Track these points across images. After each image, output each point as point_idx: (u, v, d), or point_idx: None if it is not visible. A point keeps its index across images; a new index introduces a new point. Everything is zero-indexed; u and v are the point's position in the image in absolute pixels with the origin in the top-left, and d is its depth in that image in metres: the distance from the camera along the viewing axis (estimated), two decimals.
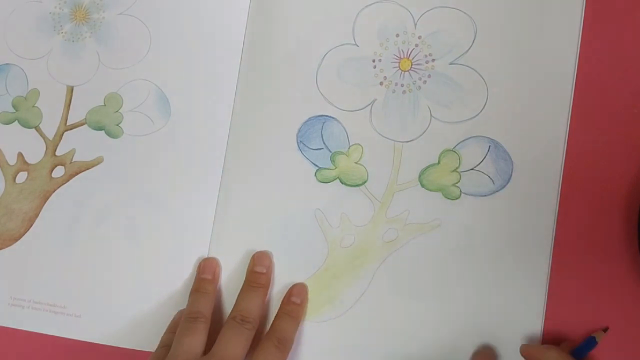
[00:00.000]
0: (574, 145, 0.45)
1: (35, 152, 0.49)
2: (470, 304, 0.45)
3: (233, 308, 0.45)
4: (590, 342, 0.43)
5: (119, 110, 0.49)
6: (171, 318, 0.47)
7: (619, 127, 0.45)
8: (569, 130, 0.45)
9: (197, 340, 0.43)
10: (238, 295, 0.46)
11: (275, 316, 0.45)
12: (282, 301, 0.46)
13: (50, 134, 0.49)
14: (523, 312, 0.44)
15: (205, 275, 0.46)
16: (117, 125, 0.49)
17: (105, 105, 0.49)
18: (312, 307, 0.46)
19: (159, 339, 0.46)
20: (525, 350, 0.42)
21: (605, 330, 0.43)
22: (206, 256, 0.47)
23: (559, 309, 0.44)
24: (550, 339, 0.44)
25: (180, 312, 0.47)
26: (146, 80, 0.49)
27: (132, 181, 0.48)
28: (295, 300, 0.45)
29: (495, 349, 0.44)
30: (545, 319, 0.44)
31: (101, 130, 0.49)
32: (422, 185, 0.46)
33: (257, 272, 0.46)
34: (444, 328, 0.45)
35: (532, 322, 0.44)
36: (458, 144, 0.46)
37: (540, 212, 0.45)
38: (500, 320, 0.44)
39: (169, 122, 0.48)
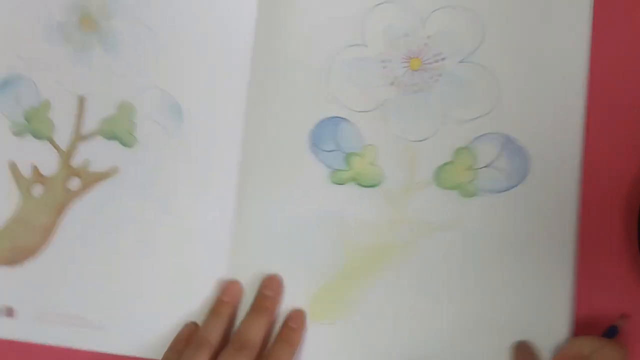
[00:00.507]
0: (592, 137, 0.45)
1: (49, 164, 0.49)
2: (492, 302, 0.44)
3: (236, 331, 0.45)
4: (612, 332, 0.42)
5: (132, 119, 0.48)
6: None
7: (637, 115, 0.45)
8: (586, 122, 0.45)
9: None
10: (243, 318, 0.45)
11: (272, 342, 0.45)
12: (281, 327, 0.46)
13: (63, 145, 0.49)
14: (550, 308, 0.44)
15: (224, 297, 0.46)
16: (131, 133, 0.48)
17: (117, 114, 0.49)
18: (331, 310, 0.46)
19: None
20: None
21: (623, 317, 0.43)
22: (224, 263, 0.47)
23: (589, 304, 0.44)
24: (581, 334, 0.43)
25: (187, 326, 0.47)
26: (158, 87, 0.48)
27: (148, 190, 0.48)
28: (293, 325, 0.45)
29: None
30: (575, 315, 0.44)
31: (115, 139, 0.49)
32: (438, 184, 0.46)
33: (265, 295, 0.46)
34: (466, 327, 0.45)
35: (561, 318, 0.44)
36: (472, 141, 0.46)
37: (561, 206, 0.44)
38: (526, 318, 0.44)
39: (182, 128, 0.48)
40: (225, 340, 0.45)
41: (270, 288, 0.46)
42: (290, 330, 0.45)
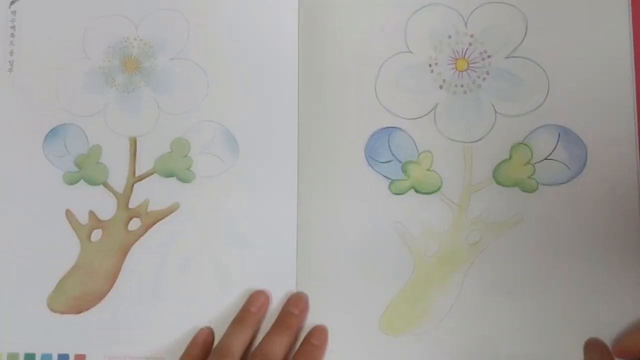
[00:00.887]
0: None
1: (107, 208, 0.48)
2: (567, 296, 0.44)
3: (257, 346, 0.44)
4: None
5: (188, 154, 0.48)
6: None
7: None
8: (638, 104, 0.45)
9: None
10: (265, 334, 0.45)
11: (292, 358, 0.45)
12: (302, 343, 0.45)
13: (119, 187, 0.48)
14: (627, 298, 0.44)
15: (251, 307, 0.46)
16: (188, 169, 0.48)
17: (172, 151, 0.48)
18: (407, 321, 0.46)
19: None
20: (618, 347, 0.41)
21: None
22: (295, 284, 0.47)
23: None
24: None
25: (203, 331, 0.46)
26: (209, 120, 0.48)
27: (211, 223, 0.47)
28: (315, 342, 0.45)
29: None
30: None
31: (172, 176, 0.48)
32: (498, 183, 0.46)
33: (290, 312, 0.45)
34: (543, 324, 0.44)
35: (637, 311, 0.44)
36: (527, 136, 0.46)
37: (624, 191, 0.44)
38: (603, 310, 0.44)
39: (238, 157, 0.48)
40: (247, 351, 0.45)
41: (296, 306, 0.45)
42: (312, 347, 0.45)
